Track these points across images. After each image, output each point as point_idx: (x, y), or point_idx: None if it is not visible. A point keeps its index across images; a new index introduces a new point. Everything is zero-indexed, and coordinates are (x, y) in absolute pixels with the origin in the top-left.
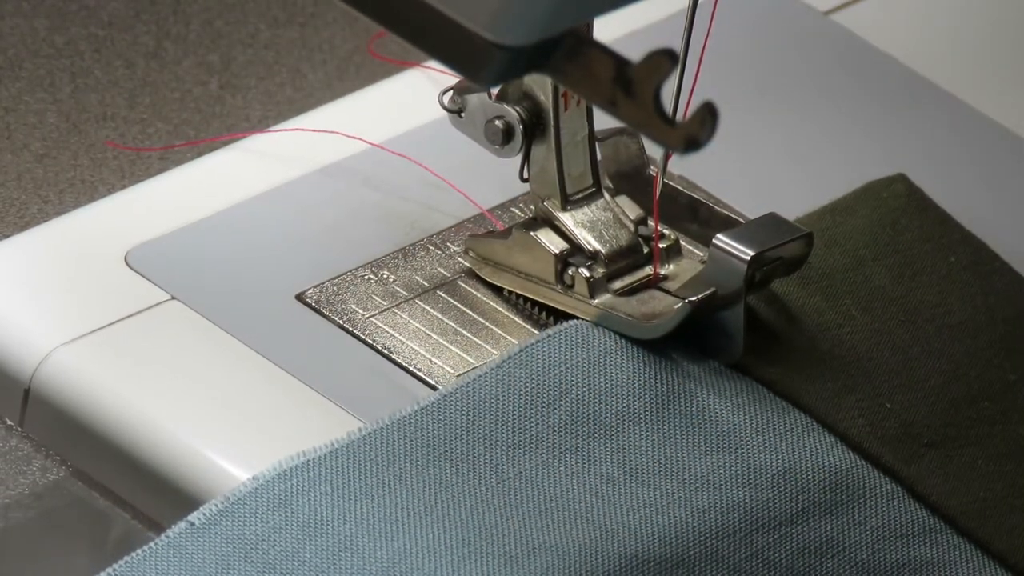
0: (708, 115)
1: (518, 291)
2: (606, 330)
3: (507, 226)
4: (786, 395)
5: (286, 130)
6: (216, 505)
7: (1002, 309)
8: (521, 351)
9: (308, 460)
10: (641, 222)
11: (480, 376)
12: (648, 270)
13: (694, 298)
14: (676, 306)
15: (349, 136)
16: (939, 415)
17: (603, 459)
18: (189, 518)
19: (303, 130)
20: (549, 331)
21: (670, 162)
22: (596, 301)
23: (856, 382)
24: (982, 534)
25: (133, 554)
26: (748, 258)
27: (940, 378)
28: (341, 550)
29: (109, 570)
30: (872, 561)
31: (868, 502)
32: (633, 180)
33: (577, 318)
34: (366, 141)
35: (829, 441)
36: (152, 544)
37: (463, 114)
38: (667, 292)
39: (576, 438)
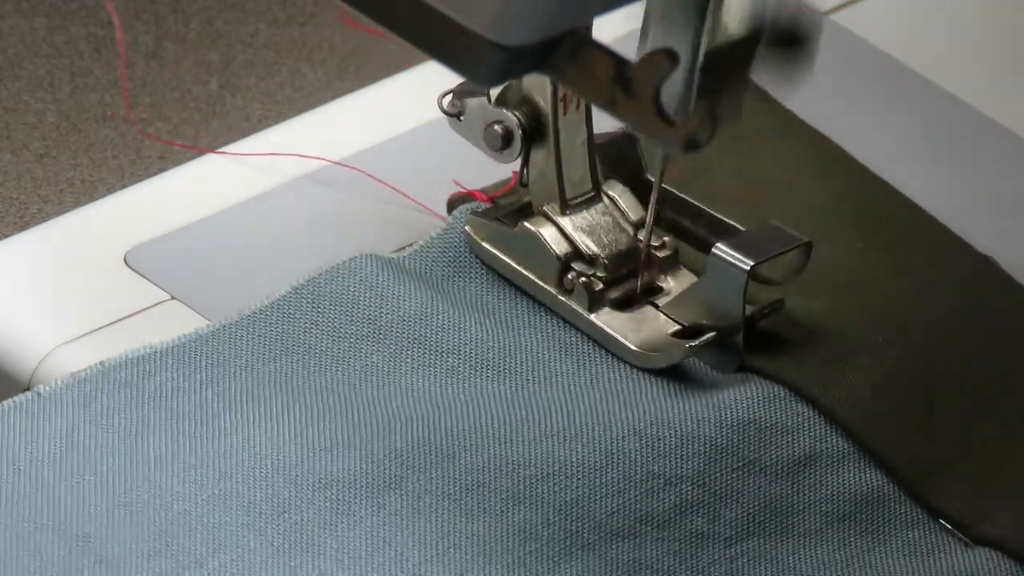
0: (708, 115)
1: (514, 282)
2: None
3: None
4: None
5: (268, 154)
6: (61, 381)
7: (843, 193)
8: (392, 255)
9: (155, 351)
10: (641, 225)
11: (332, 269)
12: (647, 275)
13: (694, 343)
14: (677, 348)
15: (307, 156)
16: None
17: (450, 351)
18: (36, 389)
19: (284, 155)
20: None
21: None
22: (592, 316)
23: None
24: (861, 432)
25: None
26: (748, 268)
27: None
28: (183, 420)
29: None
30: (759, 460)
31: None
32: (632, 185)
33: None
34: (327, 160)
35: None
36: None
37: (462, 118)
38: (660, 311)
39: (425, 328)
